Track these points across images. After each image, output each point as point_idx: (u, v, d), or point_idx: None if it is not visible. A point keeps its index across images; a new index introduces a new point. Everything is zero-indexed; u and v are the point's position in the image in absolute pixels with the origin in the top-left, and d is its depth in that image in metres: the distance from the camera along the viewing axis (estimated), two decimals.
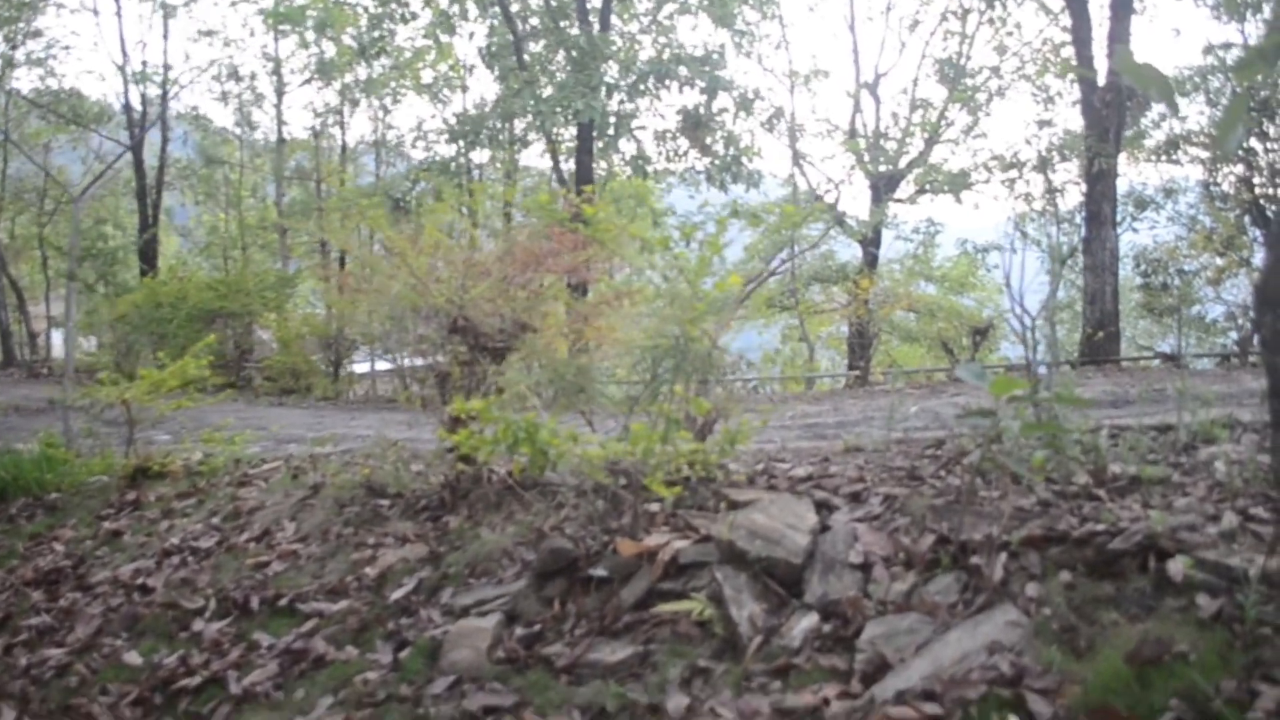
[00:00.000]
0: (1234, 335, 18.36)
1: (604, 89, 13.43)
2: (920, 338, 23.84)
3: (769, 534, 3.54)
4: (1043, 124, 20.36)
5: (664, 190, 26.33)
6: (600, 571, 3.75)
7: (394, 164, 25.45)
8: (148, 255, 24.73)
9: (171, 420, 7.96)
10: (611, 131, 13.77)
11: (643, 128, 16.06)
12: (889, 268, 26.67)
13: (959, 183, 22.55)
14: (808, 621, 3.12)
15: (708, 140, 14.92)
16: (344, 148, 27.65)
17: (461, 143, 15.51)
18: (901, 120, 24.26)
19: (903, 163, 23.45)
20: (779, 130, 24.61)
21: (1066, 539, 3.07)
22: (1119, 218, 19.69)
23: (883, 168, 23.12)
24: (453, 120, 16.01)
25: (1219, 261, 22.91)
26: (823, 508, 3.87)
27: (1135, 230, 21.63)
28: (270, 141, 25.95)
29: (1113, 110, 15.77)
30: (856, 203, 24.48)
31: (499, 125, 14.88)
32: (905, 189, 24.26)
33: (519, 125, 14.94)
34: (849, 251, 24.79)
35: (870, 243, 23.31)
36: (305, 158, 27.57)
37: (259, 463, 6.78)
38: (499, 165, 23.14)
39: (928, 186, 23.73)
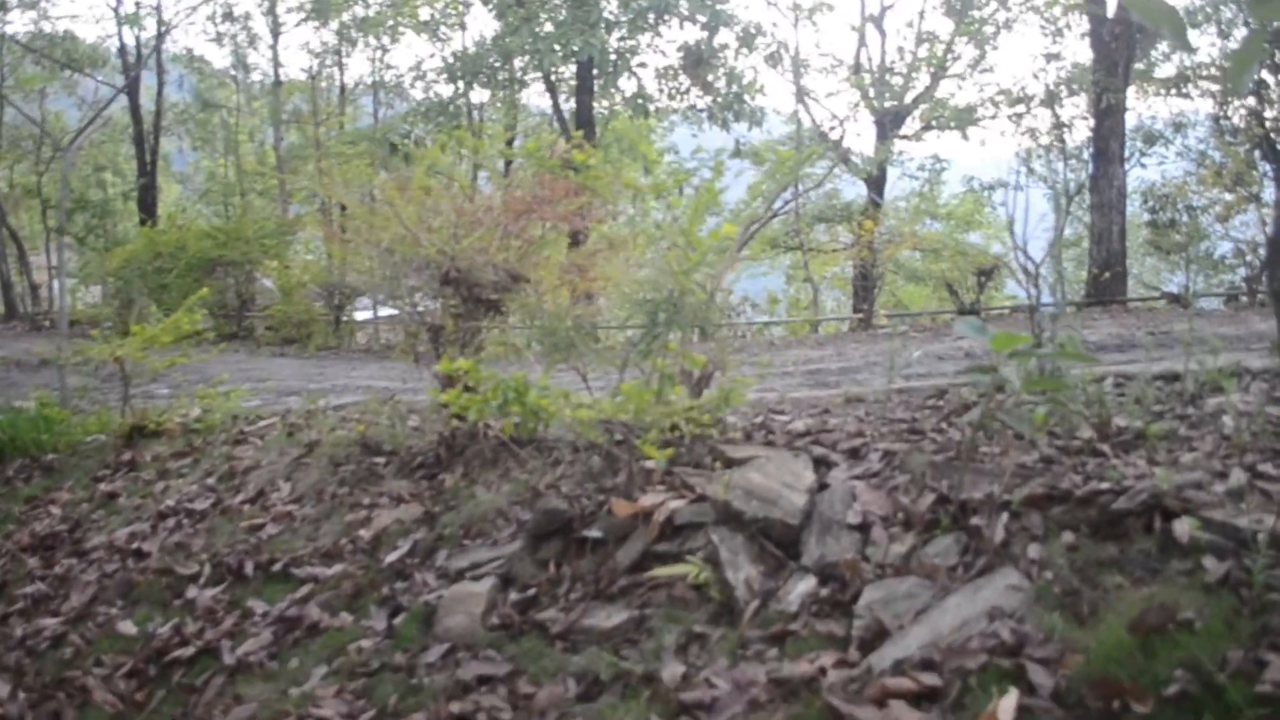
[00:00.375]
0: (1242, 272, 18.18)
1: (603, 25, 13.17)
2: (926, 278, 23.68)
3: (765, 494, 3.47)
4: (1050, 57, 20.03)
5: (666, 129, 26.05)
6: (595, 533, 3.69)
7: (393, 105, 25.11)
8: (146, 203, 24.53)
9: (171, 374, 7.90)
10: (611, 69, 13.52)
11: (643, 65, 15.79)
12: (894, 206, 26.45)
13: (965, 118, 22.25)
14: (805, 585, 3.06)
15: (709, 77, 14.66)
16: (343, 89, 27.31)
17: (460, 83, 15.25)
18: (907, 55, 23.90)
19: (908, 98, 23.13)
20: (783, 67, 24.28)
21: (1069, 498, 3.00)
22: (1127, 154, 19.44)
23: (888, 104, 22.81)
24: (451, 59, 15.71)
25: (1228, 197, 22.65)
26: (821, 464, 3.79)
27: (1144, 166, 21.35)
28: (268, 84, 25.62)
29: (1121, 43, 15.48)
30: (861, 140, 24.10)
31: (497, 64, 14.62)
32: (911, 125, 23.97)
33: (518, 64, 14.65)
34: (854, 190, 24.56)
35: (875, 181, 23.07)
36: (304, 100, 27.23)
37: (255, 419, 6.72)
38: (499, 105, 22.87)
39: (934, 123, 23.44)
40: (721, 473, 3.69)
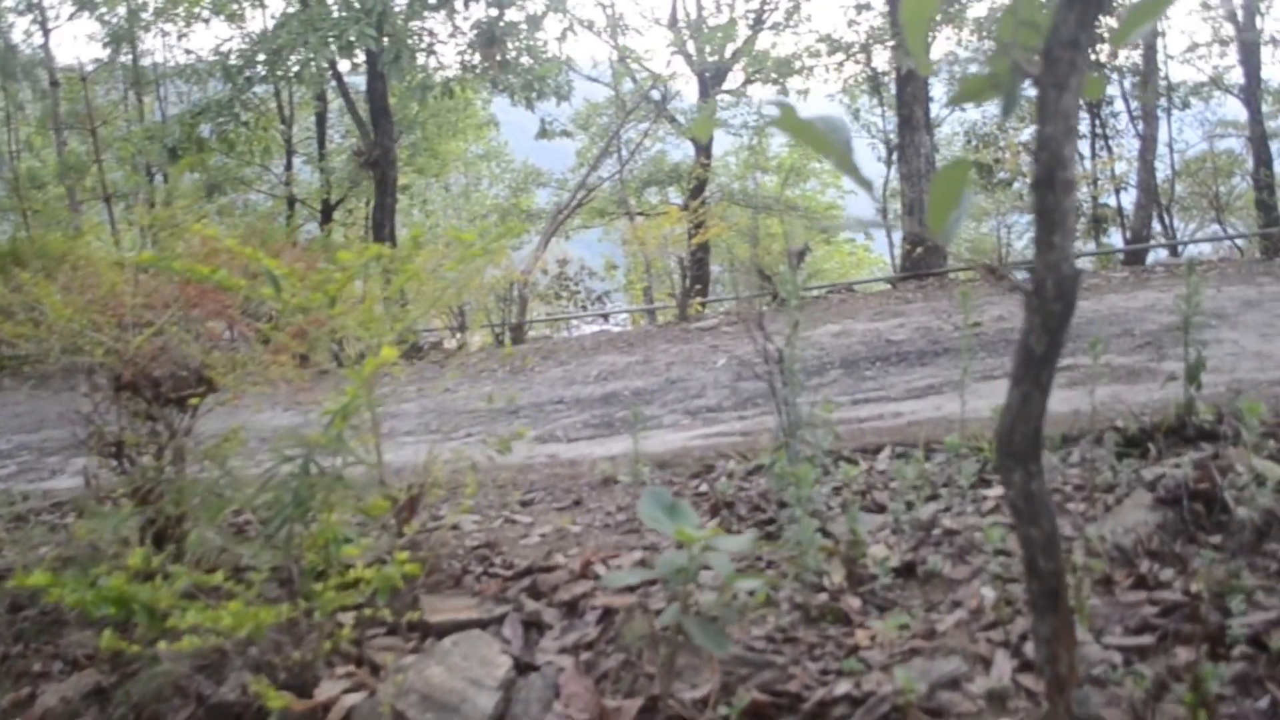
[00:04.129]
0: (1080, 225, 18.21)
1: (377, 14, 12.10)
2: (763, 239, 23.30)
3: (446, 698, 2.73)
4: (861, 8, 19.62)
5: (485, 102, 25.00)
6: None
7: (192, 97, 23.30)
8: None
9: None
10: (394, 58, 12.48)
11: (440, 44, 14.74)
12: (724, 162, 25.99)
13: (785, 70, 21.75)
14: None
15: (505, 56, 13.74)
16: (136, 81, 25.28)
17: (238, 79, 13.98)
18: (724, 7, 23.30)
19: (728, 52, 22.54)
20: (599, 27, 23.42)
21: (799, 705, 2.34)
22: (932, 115, 19.19)
23: (709, 59, 22.19)
24: (225, 54, 14.39)
25: None
26: (532, 627, 3.08)
27: (964, 110, 21.28)
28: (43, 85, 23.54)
29: None
30: (685, 99, 23.45)
31: (273, 59, 13.43)
32: (733, 80, 23.45)
33: (295, 58, 13.48)
34: (681, 151, 23.97)
35: (702, 140, 22.50)
36: (100, 94, 25.03)
37: None
38: (304, 96, 21.47)
39: (755, 76, 22.92)
40: (394, 673, 2.93)
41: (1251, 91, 18.36)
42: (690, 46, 22.41)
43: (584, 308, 20.64)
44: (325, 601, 2.88)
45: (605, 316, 20.76)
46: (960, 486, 3.45)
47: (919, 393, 5.35)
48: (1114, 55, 20.85)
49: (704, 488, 4.17)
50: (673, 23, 23.31)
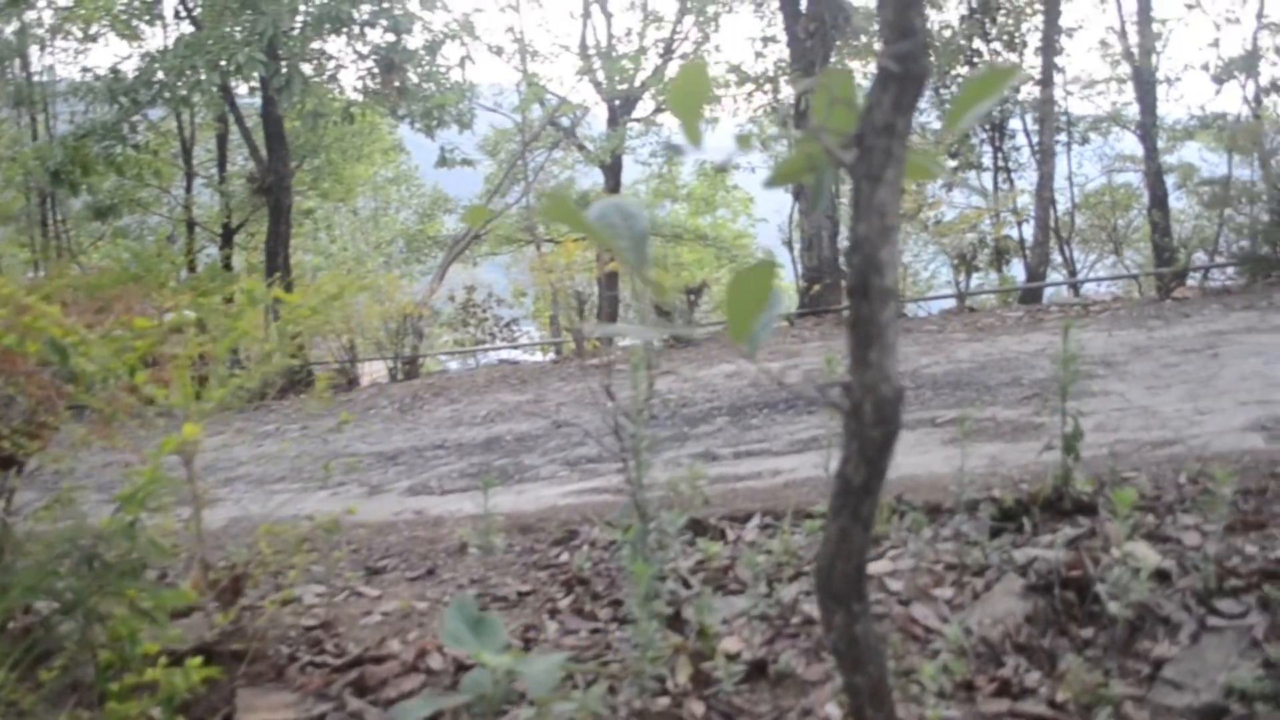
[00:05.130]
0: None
1: (264, 39, 11.69)
2: (670, 265, 23.20)
3: None
4: (766, 40, 19.66)
5: (391, 127, 24.55)
6: None
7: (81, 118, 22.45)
8: None
9: None
10: (284, 84, 12.07)
11: (333, 76, 14.36)
12: (634, 189, 25.87)
13: None
14: None
15: (405, 83, 13.41)
16: (21, 100, 24.26)
17: (123, 100, 13.41)
18: (634, 35, 23.21)
19: (638, 81, 22.45)
20: (507, 54, 23.17)
21: None
22: None
23: (619, 87, 22.07)
24: (109, 74, 13.81)
25: (953, 163, 23.06)
26: None
27: None
28: None
29: (817, 41, 15.09)
30: (594, 126, 23.30)
31: (163, 80, 12.92)
32: (643, 109, 23.39)
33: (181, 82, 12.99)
34: (590, 179, 23.79)
35: (611, 168, 22.35)
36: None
37: None
38: (204, 118, 20.79)
39: (664, 105, 22.87)
40: None
41: (1147, 128, 18.71)
42: (600, 74, 22.28)
43: (491, 335, 20.27)
44: (107, 714, 2.55)
45: (514, 345, 20.44)
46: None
47: (801, 445, 5.16)
48: (1016, 90, 21.17)
49: (565, 557, 3.91)
50: (582, 50, 23.15)
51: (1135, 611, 2.58)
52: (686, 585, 3.23)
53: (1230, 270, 11.89)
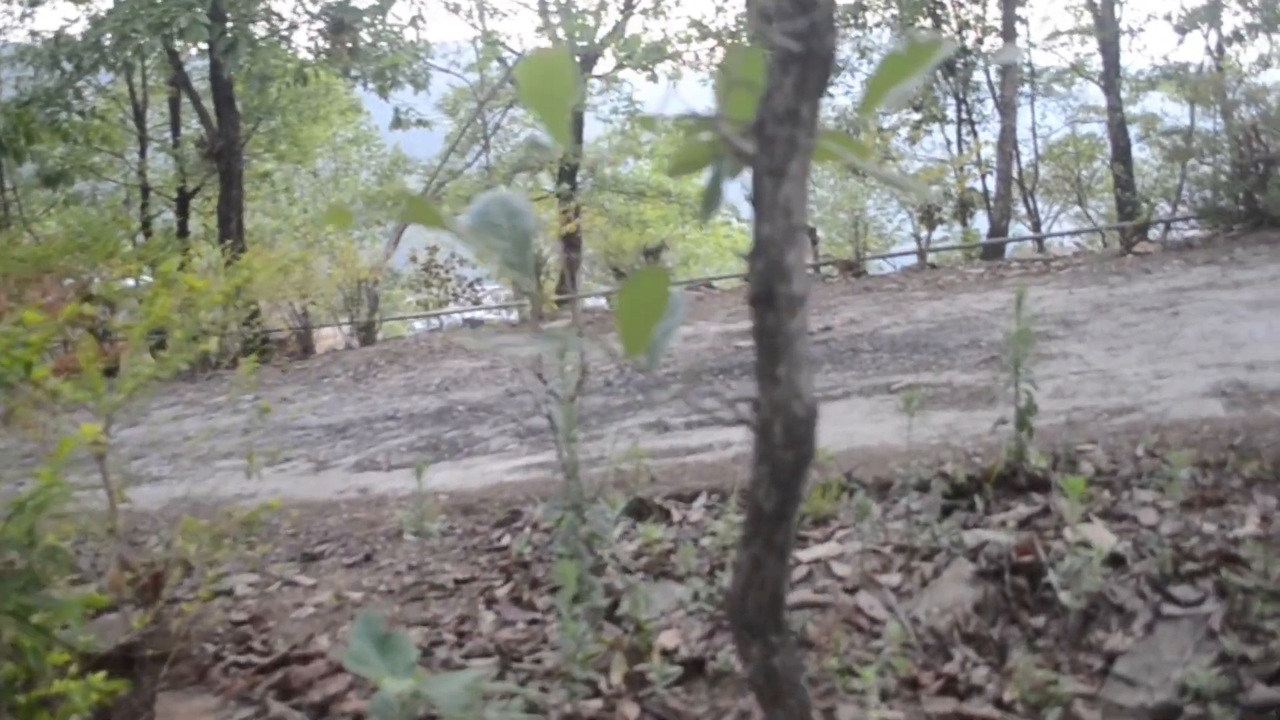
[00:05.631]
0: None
1: (208, 1, 11.33)
2: (631, 223, 23.00)
3: None
4: None
5: (348, 87, 24.07)
6: None
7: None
8: None
9: None
10: (228, 48, 11.70)
11: (284, 36, 13.95)
12: (598, 146, 25.58)
13: (656, 56, 21.40)
14: None
15: (356, 43, 13.05)
16: None
17: (67, 65, 12.99)
18: None
19: (599, 37, 22.08)
20: (464, 11, 22.74)
21: None
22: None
23: (579, 44, 21.70)
24: (51, 40, 13.36)
25: (915, 117, 22.95)
26: None
27: (831, 96, 21.21)
28: None
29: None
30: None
31: (107, 45, 12.51)
32: (604, 66, 23.02)
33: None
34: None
35: (572, 125, 22.04)
36: None
37: None
38: (157, 81, 20.28)
39: (626, 61, 22.53)
40: None
41: (1110, 79, 18.61)
42: (560, 31, 21.90)
43: (455, 296, 20.03)
44: None
45: (477, 306, 20.21)
46: None
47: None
48: (980, 41, 21.04)
49: (507, 539, 3.79)
50: (541, 6, 22.73)
51: (1088, 600, 2.47)
52: (628, 572, 3.12)
53: (1193, 223, 11.85)
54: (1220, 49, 20.59)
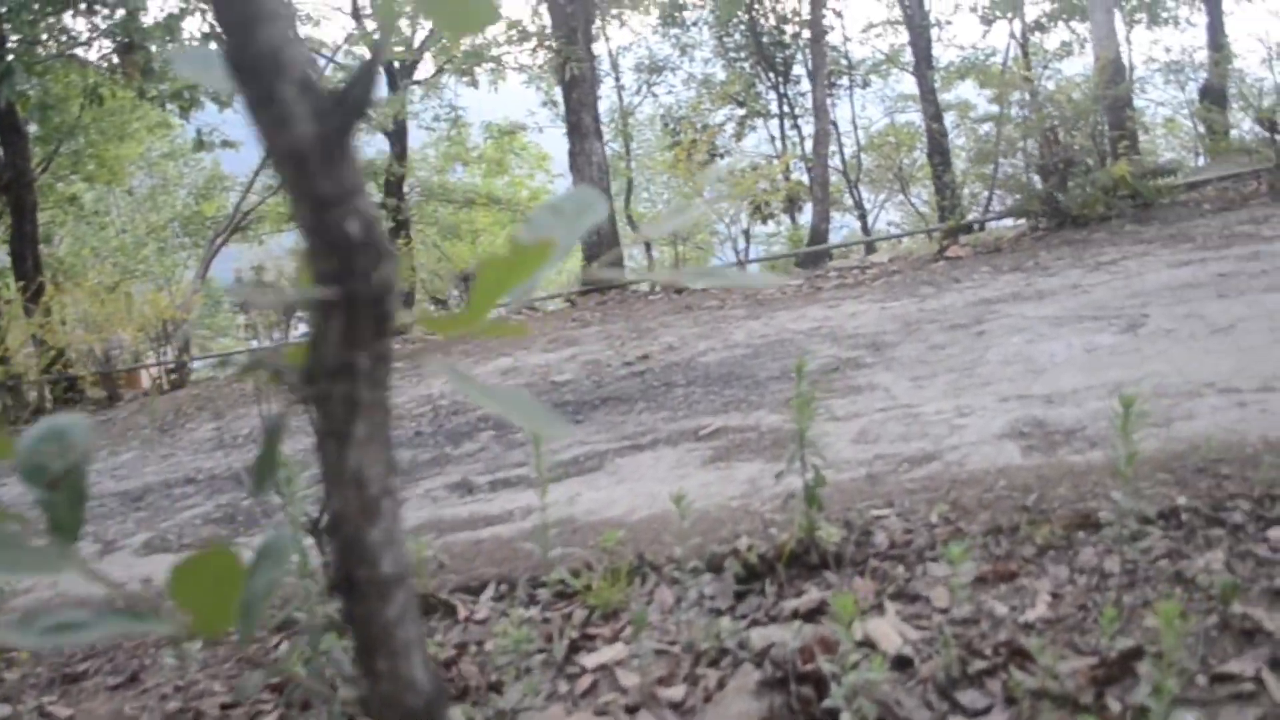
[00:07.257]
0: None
1: None
2: (464, 234, 22.57)
3: None
4: None
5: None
6: None
7: None
8: None
9: None
10: (2, 76, 10.86)
11: (74, 57, 13.08)
12: (423, 155, 25.04)
13: (476, 59, 21.00)
14: None
15: (149, 63, 12.30)
16: None
17: None
18: None
19: (416, 42, 21.54)
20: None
21: None
22: (635, 87, 18.97)
23: (396, 50, 21.11)
24: None
25: (740, 112, 23.17)
26: None
27: (655, 95, 21.22)
28: None
29: (579, 7, 14.66)
30: (374, 92, 22.15)
31: None
32: (424, 70, 22.51)
33: None
34: (374, 147, 22.79)
35: (395, 134, 21.45)
36: None
37: None
38: None
39: (446, 66, 22.06)
40: None
41: (921, 71, 19.06)
42: (376, 35, 21.26)
43: (286, 316, 19.26)
44: None
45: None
46: (553, 656, 2.87)
47: (562, 468, 4.77)
48: (797, 35, 21.31)
49: (285, 647, 3.44)
50: (354, 10, 22.05)
51: (876, 712, 2.30)
52: None
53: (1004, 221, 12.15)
54: (1025, 36, 21.32)
